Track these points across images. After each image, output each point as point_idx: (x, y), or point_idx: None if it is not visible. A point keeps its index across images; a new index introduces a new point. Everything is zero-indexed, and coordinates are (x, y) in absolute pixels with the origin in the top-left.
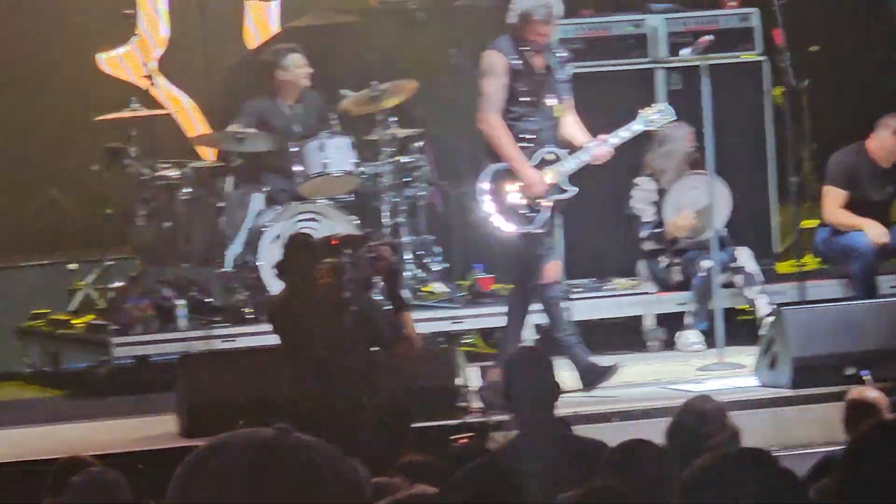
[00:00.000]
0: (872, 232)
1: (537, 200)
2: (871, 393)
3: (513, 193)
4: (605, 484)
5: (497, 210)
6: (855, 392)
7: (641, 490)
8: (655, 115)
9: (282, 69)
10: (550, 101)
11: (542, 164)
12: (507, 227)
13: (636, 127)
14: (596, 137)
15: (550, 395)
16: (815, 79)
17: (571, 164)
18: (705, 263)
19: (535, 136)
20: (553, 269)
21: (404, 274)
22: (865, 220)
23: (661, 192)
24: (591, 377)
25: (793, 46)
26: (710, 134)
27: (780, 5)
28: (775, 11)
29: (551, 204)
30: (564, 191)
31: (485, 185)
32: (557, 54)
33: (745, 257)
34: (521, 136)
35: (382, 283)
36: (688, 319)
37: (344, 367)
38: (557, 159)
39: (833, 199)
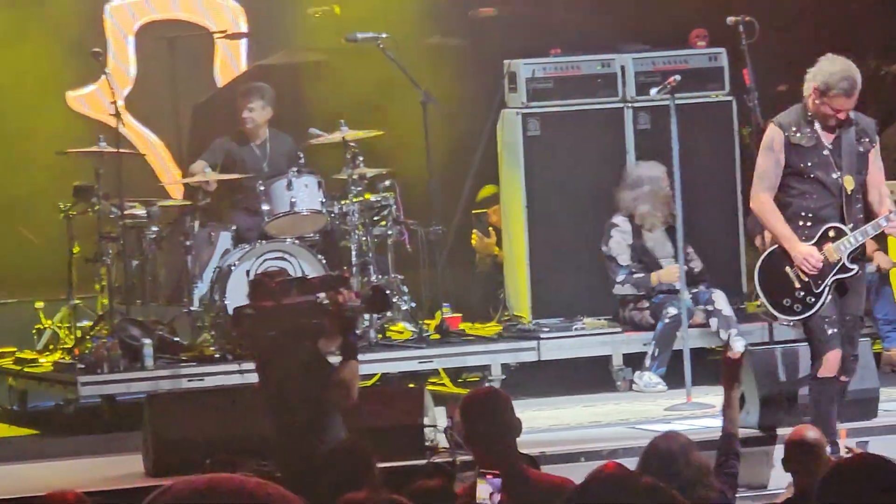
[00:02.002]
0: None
1: (814, 279)
2: (811, 433)
3: (790, 275)
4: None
5: (774, 294)
6: (794, 432)
7: None
8: None
9: (244, 110)
10: (837, 176)
11: (824, 240)
12: (783, 313)
13: None
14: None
15: (510, 432)
16: None
17: (854, 239)
18: (671, 310)
19: (816, 214)
20: (831, 360)
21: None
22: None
23: (638, 234)
24: None
25: (761, 86)
26: (678, 173)
27: (747, 45)
28: (743, 51)
29: (831, 284)
30: (848, 269)
31: (761, 267)
32: (858, 127)
33: (721, 301)
34: (801, 212)
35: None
36: (647, 362)
37: (288, 409)
38: (841, 235)
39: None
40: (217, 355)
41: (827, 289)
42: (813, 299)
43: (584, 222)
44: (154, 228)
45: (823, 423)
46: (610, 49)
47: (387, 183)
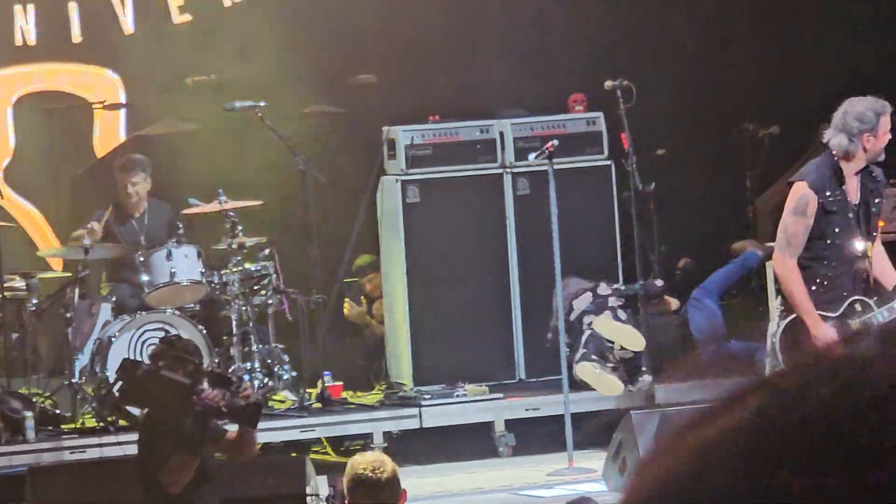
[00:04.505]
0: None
1: None
2: None
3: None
4: None
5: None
6: None
7: None
8: None
9: (127, 185)
10: (860, 244)
11: (850, 314)
12: None
13: None
14: None
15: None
16: (662, 182)
17: (882, 315)
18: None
19: (832, 281)
20: None
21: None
22: None
23: None
24: None
25: (639, 150)
26: (556, 239)
27: (625, 109)
28: (621, 116)
29: None
30: None
31: (784, 333)
32: (877, 178)
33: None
34: (816, 278)
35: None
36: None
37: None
38: (866, 310)
39: None
40: (99, 427)
41: None
42: None
43: (465, 288)
44: (34, 301)
45: None
46: (488, 115)
47: (266, 252)
